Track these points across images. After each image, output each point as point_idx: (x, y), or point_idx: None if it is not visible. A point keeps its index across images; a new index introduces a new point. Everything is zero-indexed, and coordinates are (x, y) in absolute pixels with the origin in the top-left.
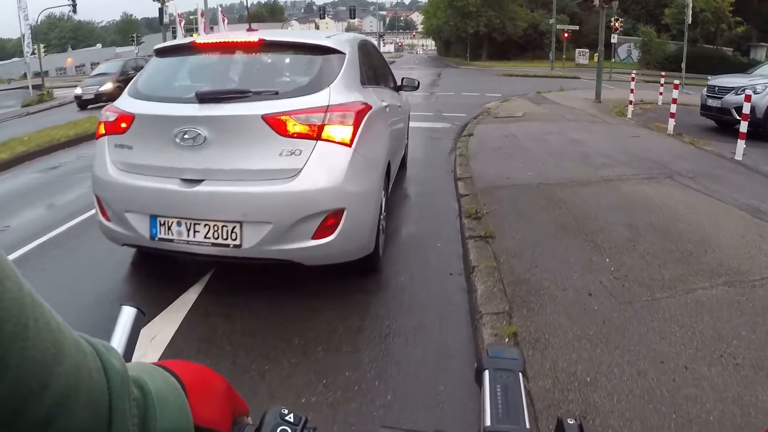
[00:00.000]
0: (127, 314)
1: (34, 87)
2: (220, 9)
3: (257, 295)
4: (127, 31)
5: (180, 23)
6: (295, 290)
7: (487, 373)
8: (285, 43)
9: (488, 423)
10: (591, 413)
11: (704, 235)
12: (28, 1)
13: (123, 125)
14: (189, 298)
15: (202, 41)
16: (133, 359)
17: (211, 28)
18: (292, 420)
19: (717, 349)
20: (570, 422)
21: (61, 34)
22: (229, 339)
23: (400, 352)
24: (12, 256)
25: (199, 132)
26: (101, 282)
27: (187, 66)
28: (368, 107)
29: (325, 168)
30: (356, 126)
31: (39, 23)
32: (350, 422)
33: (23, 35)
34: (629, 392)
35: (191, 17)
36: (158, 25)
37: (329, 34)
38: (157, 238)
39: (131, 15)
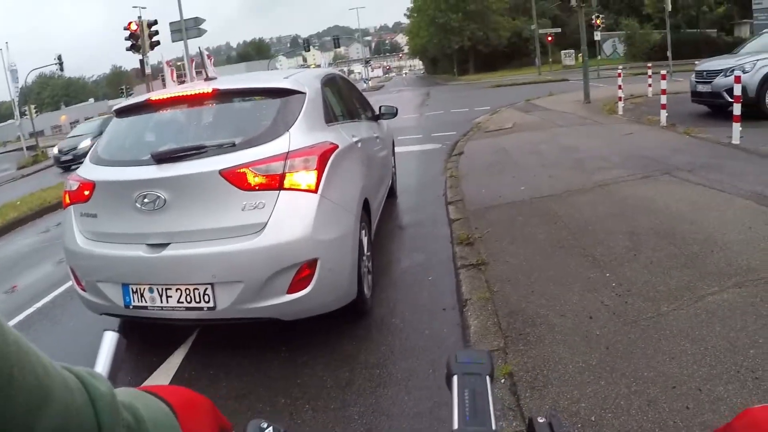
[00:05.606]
0: (110, 339)
1: (29, 148)
2: (206, 53)
3: (243, 354)
4: (117, 83)
5: (169, 71)
6: (282, 345)
7: (455, 378)
8: (241, 90)
9: (456, 426)
10: None
11: (709, 233)
12: (18, 62)
13: (86, 193)
14: (174, 362)
15: (157, 97)
16: None
17: (199, 72)
18: None
19: (733, 364)
20: (540, 421)
21: (53, 92)
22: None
23: (390, 406)
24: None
25: (159, 195)
26: (86, 354)
27: (145, 124)
28: (334, 147)
29: (291, 218)
30: (321, 169)
31: (30, 84)
32: None
33: (12, 99)
34: (639, 428)
35: (179, 63)
36: (151, 74)
37: (288, 74)
38: (131, 306)
39: (120, 67)
